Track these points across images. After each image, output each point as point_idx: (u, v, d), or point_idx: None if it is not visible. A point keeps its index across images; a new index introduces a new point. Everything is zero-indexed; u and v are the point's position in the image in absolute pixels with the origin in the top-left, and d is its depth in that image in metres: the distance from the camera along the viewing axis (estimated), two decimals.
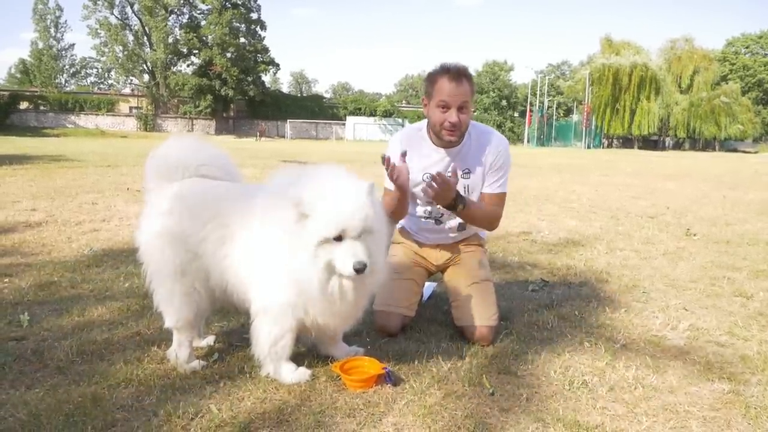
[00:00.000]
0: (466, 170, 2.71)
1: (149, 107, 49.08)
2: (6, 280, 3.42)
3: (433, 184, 2.37)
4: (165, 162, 2.27)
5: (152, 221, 2.20)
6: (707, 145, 57.52)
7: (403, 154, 2.54)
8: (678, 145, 58.55)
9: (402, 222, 2.98)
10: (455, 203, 2.48)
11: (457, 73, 2.50)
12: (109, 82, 59.19)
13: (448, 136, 2.57)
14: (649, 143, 55.26)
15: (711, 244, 5.37)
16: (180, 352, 2.23)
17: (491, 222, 2.78)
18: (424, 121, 2.74)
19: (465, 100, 2.51)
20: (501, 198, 2.76)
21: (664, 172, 16.73)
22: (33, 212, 5.94)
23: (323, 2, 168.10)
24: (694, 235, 5.80)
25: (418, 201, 2.82)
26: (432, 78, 2.57)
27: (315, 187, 1.90)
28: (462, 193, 2.61)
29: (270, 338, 2.12)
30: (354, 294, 1.97)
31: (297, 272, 1.93)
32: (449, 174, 2.50)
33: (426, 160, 2.70)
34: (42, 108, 44.98)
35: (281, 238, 1.95)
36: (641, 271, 4.19)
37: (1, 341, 2.49)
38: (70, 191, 7.77)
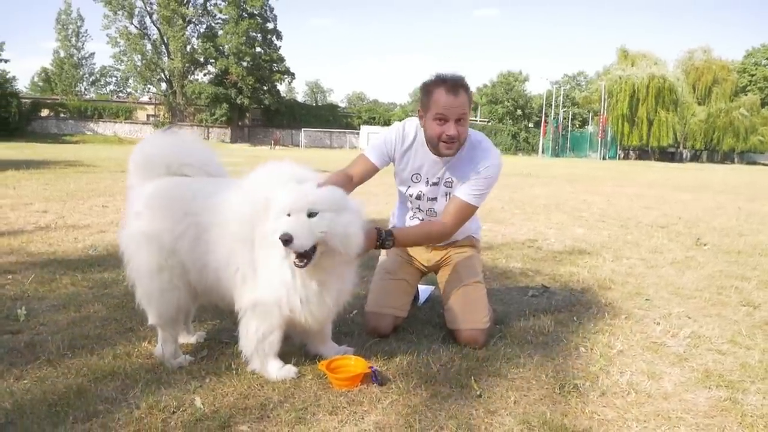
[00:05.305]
0: (449, 180, 2.62)
1: (166, 115, 49.78)
2: (9, 276, 3.47)
3: None
4: (147, 159, 2.29)
5: (129, 221, 2.22)
6: (726, 158, 56.74)
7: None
8: (696, 157, 57.81)
9: (393, 221, 2.97)
10: (382, 244, 2.42)
11: (453, 85, 2.38)
12: (128, 90, 60.27)
13: (446, 150, 2.46)
14: (666, 155, 54.63)
15: (721, 254, 5.27)
16: (165, 349, 2.23)
17: (442, 237, 2.65)
18: None
19: (463, 112, 2.40)
20: (466, 208, 2.55)
21: (679, 184, 16.51)
22: (44, 214, 6.04)
23: (339, 12, 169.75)
24: (705, 244, 5.69)
25: (409, 204, 2.81)
26: (428, 89, 2.45)
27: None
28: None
29: (258, 334, 2.12)
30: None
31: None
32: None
33: (419, 163, 2.63)
34: (62, 115, 45.84)
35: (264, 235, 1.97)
36: (646, 279, 4.12)
37: None
38: (82, 194, 7.90)
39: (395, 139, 2.61)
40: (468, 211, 2.58)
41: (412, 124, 2.63)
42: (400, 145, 2.62)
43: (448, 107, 2.38)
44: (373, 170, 2.58)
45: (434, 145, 2.49)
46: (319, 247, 1.97)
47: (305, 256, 1.95)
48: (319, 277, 2.05)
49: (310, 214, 1.95)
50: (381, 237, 2.39)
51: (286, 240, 1.88)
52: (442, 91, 2.39)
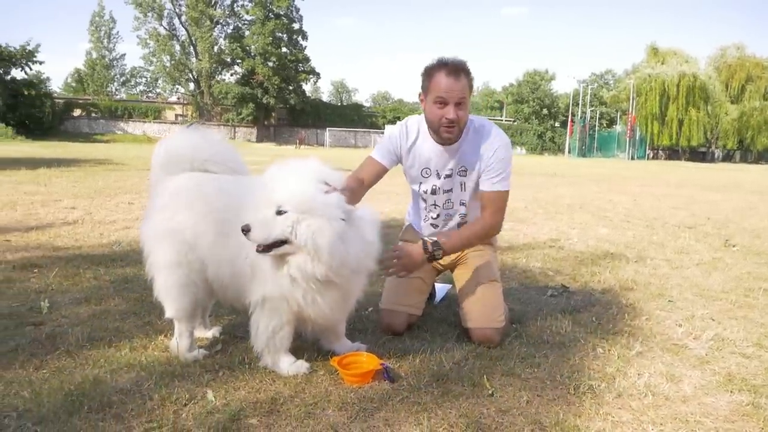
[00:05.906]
0: (463, 168, 2.60)
1: (194, 115, 50.76)
2: (35, 270, 3.57)
3: (394, 260, 2.41)
4: (171, 155, 2.32)
5: (152, 215, 2.26)
6: (760, 157, 54.96)
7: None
8: (728, 157, 56.19)
9: (409, 219, 2.96)
10: (432, 256, 2.45)
11: (454, 68, 2.38)
12: (157, 90, 61.65)
13: (446, 134, 2.46)
14: (697, 155, 53.24)
15: (751, 255, 5.10)
16: (181, 342, 2.26)
17: (487, 233, 2.63)
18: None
19: (463, 96, 2.39)
20: (501, 197, 2.57)
21: (709, 183, 16.06)
22: (72, 210, 6.21)
23: (364, 12, 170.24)
24: (734, 246, 5.52)
25: (423, 203, 2.78)
26: (429, 72, 2.44)
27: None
28: (459, 189, 2.63)
29: (268, 330, 2.13)
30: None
31: None
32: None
33: (426, 157, 2.62)
34: (94, 115, 47.14)
35: None
36: (670, 281, 4.01)
37: (19, 325, 2.60)
38: (109, 192, 8.10)
39: (399, 136, 2.62)
40: (501, 199, 2.59)
41: (414, 120, 2.64)
42: (405, 142, 2.61)
43: (448, 90, 2.37)
44: (383, 171, 2.59)
45: (435, 129, 2.49)
46: (286, 246, 1.96)
47: (266, 247, 1.97)
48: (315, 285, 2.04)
49: (279, 212, 1.95)
50: (429, 249, 2.43)
51: (244, 230, 1.94)
52: (443, 74, 2.38)
